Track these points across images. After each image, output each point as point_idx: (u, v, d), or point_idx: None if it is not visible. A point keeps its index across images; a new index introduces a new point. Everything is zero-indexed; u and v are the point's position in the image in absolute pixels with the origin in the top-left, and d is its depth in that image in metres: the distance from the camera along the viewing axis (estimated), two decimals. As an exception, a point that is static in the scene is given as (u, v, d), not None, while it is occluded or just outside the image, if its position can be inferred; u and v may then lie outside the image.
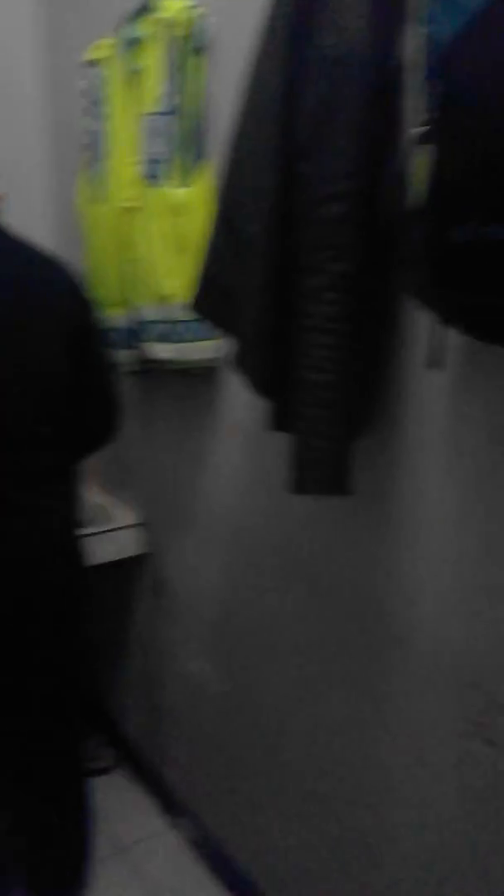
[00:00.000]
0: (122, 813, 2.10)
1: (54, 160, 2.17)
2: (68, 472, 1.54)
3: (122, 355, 1.67)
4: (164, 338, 1.54)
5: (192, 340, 1.49)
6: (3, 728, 1.61)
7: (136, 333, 1.61)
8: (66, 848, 1.74)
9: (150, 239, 1.50)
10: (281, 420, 1.15)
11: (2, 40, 2.08)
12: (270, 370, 1.09)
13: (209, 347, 1.47)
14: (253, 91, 1.11)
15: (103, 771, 2.26)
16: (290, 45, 1.01)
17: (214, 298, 1.15)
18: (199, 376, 1.56)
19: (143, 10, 1.50)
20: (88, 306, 1.55)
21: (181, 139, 1.45)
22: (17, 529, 1.43)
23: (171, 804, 2.05)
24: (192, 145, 1.45)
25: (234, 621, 1.67)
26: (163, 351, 1.54)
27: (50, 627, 1.56)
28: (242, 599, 1.62)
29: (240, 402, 1.50)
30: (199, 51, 1.41)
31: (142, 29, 1.51)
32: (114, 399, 1.63)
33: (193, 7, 1.40)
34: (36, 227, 2.16)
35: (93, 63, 1.64)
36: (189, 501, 1.76)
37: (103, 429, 1.65)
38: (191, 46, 1.41)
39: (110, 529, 1.91)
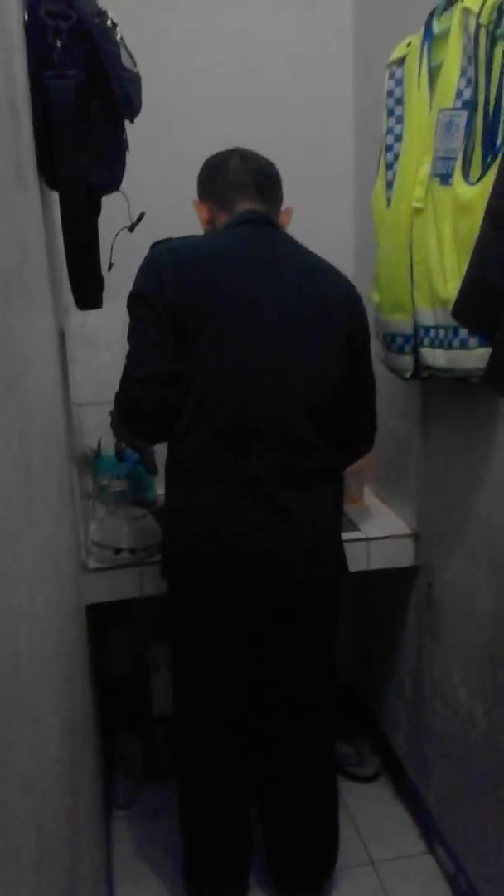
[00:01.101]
0: (379, 825, 2.07)
1: (357, 163, 2.18)
2: (331, 475, 1.54)
3: (403, 361, 1.62)
4: (439, 344, 1.46)
5: (468, 348, 1.40)
6: (260, 716, 1.67)
7: (416, 338, 1.55)
8: (310, 842, 1.76)
9: (435, 240, 1.43)
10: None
11: (321, 67, 2.14)
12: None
13: (486, 356, 1.36)
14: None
15: (368, 779, 2.25)
16: None
17: (476, 303, 1.06)
18: (477, 385, 1.46)
19: (450, 2, 1.44)
20: (362, 316, 1.56)
21: (476, 134, 1.36)
22: (281, 527, 1.47)
23: (428, 829, 1.97)
24: (486, 140, 1.36)
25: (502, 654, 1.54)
26: (437, 357, 1.47)
27: (310, 623, 1.58)
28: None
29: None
30: (497, 40, 1.31)
31: (444, 22, 1.45)
32: (373, 410, 1.64)
33: (496, -7, 1.30)
34: (337, 231, 2.20)
35: (398, 62, 1.61)
36: (465, 518, 1.65)
37: (361, 437, 1.65)
38: (490, 36, 1.31)
39: (383, 537, 1.87)
